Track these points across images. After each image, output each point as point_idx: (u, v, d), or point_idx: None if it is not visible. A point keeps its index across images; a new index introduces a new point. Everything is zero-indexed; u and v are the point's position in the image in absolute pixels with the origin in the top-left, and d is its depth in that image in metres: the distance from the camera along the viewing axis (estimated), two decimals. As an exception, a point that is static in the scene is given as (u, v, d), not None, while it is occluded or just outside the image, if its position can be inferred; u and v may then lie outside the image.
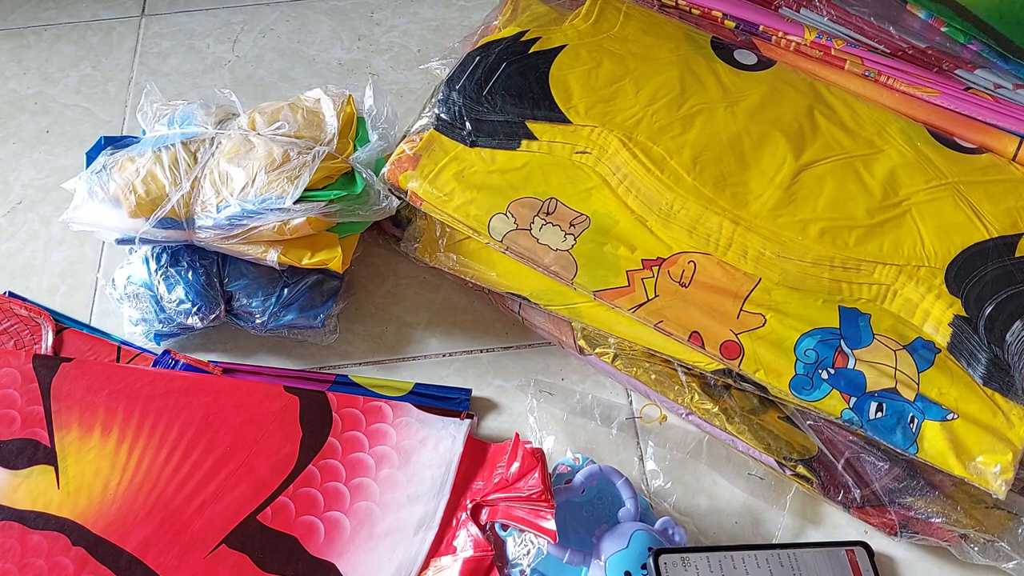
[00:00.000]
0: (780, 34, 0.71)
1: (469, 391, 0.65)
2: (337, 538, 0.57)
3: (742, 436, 0.59)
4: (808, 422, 0.56)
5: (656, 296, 0.57)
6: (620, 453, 0.62)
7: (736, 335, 0.55)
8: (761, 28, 0.72)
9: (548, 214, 0.61)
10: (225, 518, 0.57)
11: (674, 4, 0.75)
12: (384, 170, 0.65)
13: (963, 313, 0.55)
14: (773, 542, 0.58)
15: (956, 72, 0.66)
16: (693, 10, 0.74)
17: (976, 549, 0.54)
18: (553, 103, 0.65)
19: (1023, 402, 0.52)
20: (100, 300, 0.71)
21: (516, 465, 0.53)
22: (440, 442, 0.60)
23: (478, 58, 0.68)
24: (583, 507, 0.56)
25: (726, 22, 0.73)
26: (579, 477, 0.55)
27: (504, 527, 0.55)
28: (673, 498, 0.59)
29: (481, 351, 0.68)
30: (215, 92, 0.77)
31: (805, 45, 0.70)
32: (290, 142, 0.63)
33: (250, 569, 0.56)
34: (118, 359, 0.66)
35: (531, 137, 0.64)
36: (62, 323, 0.69)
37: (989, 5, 0.62)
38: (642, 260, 0.58)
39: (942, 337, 0.55)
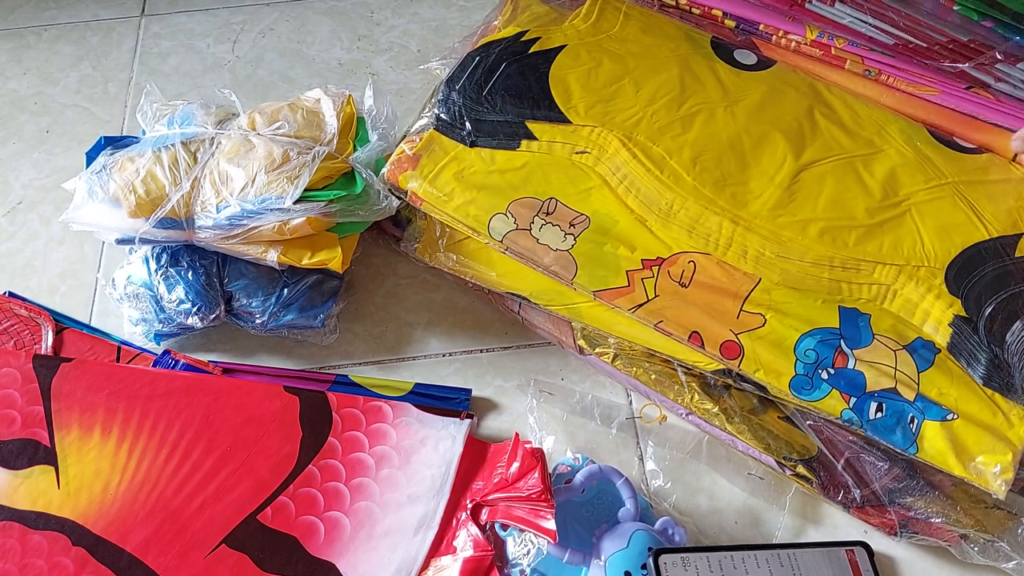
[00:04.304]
0: (780, 33, 0.71)
1: (469, 391, 0.65)
2: (337, 538, 0.57)
3: (742, 436, 0.59)
4: (808, 422, 0.56)
5: (656, 296, 0.57)
6: (620, 453, 0.62)
7: (736, 335, 0.55)
8: (761, 27, 0.72)
9: (548, 214, 0.61)
10: (225, 518, 0.57)
11: (674, 3, 0.75)
12: (384, 170, 0.65)
13: (963, 313, 0.55)
14: (773, 542, 0.58)
15: (997, 67, 0.65)
16: (693, 9, 0.74)
17: (976, 549, 0.54)
18: (553, 103, 0.65)
19: (1023, 402, 0.52)
20: (100, 300, 0.71)
21: (516, 465, 0.53)
22: (440, 442, 0.60)
23: (478, 58, 0.68)
24: (583, 507, 0.56)
25: (726, 21, 0.73)
26: (579, 477, 0.55)
27: (504, 527, 0.55)
28: (673, 498, 0.59)
29: (481, 351, 0.68)
30: (215, 92, 0.77)
31: (805, 44, 0.70)
32: (290, 142, 0.63)
33: (250, 569, 0.56)
34: (118, 359, 0.66)
35: (531, 137, 0.64)
36: (62, 323, 0.69)
37: None
38: (642, 260, 0.58)
39: (942, 337, 0.55)
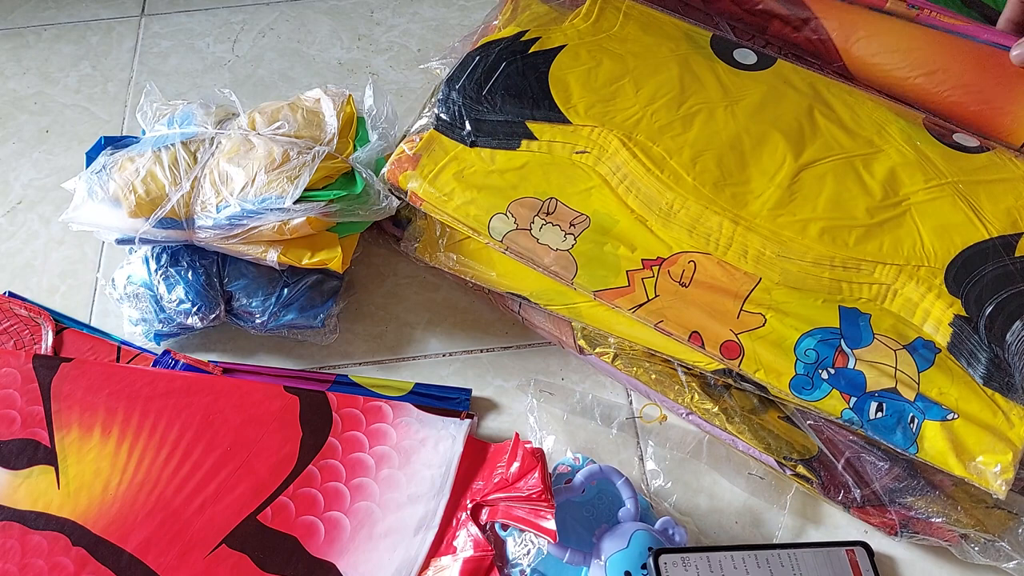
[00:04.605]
0: None
1: (469, 391, 0.65)
2: (337, 538, 0.57)
3: (742, 436, 0.59)
4: (808, 422, 0.56)
5: (656, 296, 0.57)
6: (620, 453, 0.62)
7: (736, 335, 0.55)
8: None
9: (548, 214, 0.61)
10: (225, 518, 0.57)
11: None
12: (384, 170, 0.65)
13: (963, 313, 0.55)
14: (773, 542, 0.58)
15: None
16: None
17: (976, 549, 0.54)
18: (553, 103, 0.65)
19: (1023, 402, 0.52)
20: (100, 300, 0.71)
21: (516, 465, 0.53)
22: (440, 442, 0.60)
23: (478, 58, 0.68)
24: (583, 507, 0.56)
25: None
26: (579, 477, 0.55)
27: (504, 527, 0.55)
28: (673, 498, 0.59)
29: (481, 351, 0.68)
30: (215, 92, 0.77)
31: None
32: (290, 142, 0.63)
33: (250, 569, 0.56)
34: (118, 359, 0.66)
35: (531, 137, 0.64)
36: (62, 323, 0.69)
37: None
38: (642, 260, 0.58)
39: (942, 337, 0.55)
